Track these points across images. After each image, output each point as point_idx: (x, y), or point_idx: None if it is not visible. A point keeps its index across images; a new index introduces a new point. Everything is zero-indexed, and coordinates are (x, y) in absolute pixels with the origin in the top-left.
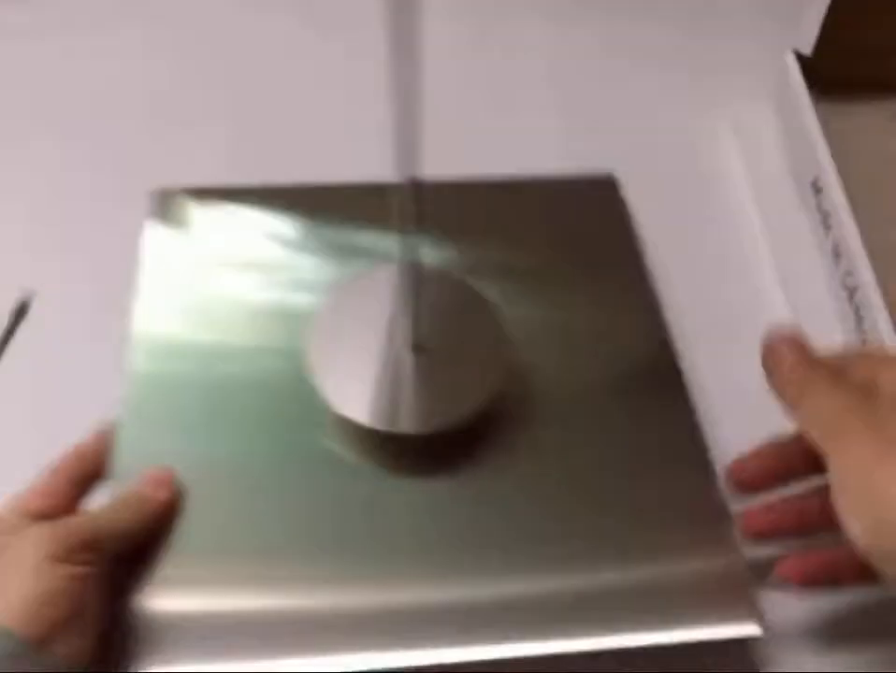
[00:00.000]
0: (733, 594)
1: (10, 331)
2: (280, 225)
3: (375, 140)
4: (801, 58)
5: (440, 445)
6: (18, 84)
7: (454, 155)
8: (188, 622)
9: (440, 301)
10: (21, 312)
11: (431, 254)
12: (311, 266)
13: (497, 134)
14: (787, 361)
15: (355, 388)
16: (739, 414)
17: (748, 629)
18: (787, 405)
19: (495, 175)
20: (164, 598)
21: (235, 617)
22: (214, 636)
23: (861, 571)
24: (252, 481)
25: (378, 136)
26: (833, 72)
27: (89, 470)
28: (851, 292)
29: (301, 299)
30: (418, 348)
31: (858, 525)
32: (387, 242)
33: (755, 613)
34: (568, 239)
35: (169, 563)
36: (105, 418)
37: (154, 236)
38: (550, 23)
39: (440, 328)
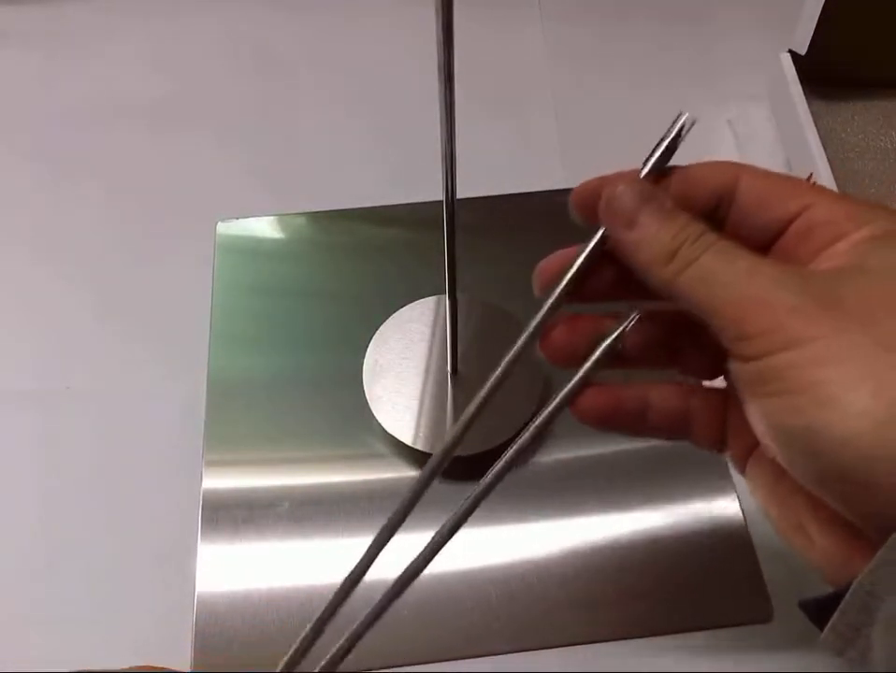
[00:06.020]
0: None
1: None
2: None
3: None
4: (796, 57)
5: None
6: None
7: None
8: None
9: (477, 329)
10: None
11: (469, 275)
12: (366, 288)
13: (494, 133)
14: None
15: (402, 411)
16: None
17: None
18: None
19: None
20: None
21: None
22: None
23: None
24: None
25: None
26: (828, 71)
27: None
28: None
29: (358, 316)
30: (458, 374)
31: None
32: (432, 264)
33: None
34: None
35: None
36: None
37: (223, 263)
38: (547, 23)
39: (477, 355)
